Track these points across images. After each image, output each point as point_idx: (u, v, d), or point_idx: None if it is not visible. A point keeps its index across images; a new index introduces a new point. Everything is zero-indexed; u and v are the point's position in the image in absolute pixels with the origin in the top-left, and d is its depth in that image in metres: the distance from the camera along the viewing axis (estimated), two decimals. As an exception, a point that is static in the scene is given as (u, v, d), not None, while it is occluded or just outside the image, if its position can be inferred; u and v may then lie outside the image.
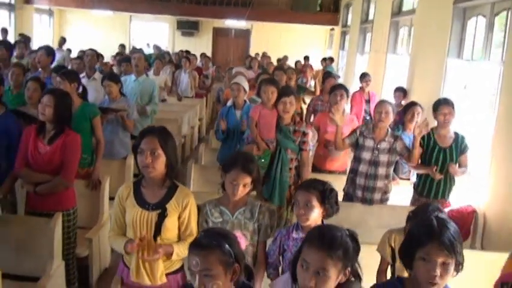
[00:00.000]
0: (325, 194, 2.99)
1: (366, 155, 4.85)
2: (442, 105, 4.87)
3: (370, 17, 12.79)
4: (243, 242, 2.87)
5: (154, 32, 21.36)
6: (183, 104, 10.65)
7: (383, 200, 4.95)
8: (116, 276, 3.18)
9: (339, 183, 4.66)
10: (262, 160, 4.78)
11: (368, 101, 8.59)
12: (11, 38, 13.12)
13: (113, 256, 5.09)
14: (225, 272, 2.09)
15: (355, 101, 8.54)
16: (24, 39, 10.67)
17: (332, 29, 19.10)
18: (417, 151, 4.76)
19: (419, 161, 4.92)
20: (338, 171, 5.86)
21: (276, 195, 4.65)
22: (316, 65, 16.02)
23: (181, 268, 3.17)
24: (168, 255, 2.98)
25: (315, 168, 5.78)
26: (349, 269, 2.11)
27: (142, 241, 2.90)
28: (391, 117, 4.82)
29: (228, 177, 3.14)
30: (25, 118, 4.60)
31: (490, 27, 5.96)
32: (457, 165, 4.86)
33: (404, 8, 9.96)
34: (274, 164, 4.73)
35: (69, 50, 14.67)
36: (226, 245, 2.12)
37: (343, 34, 16.97)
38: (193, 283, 2.09)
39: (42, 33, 18.99)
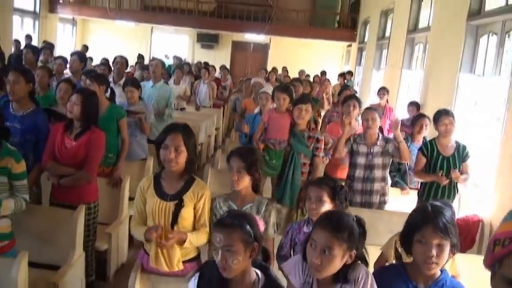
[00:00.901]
0: (336, 191, 3.20)
1: (361, 160, 5.02)
2: (443, 116, 5.08)
3: (387, 33, 13.02)
4: (261, 225, 3.04)
5: (174, 44, 21.75)
6: (201, 113, 10.89)
7: (381, 203, 5.11)
8: (137, 262, 3.37)
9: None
10: (273, 161, 5.01)
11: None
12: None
13: (130, 252, 5.29)
14: (245, 249, 2.28)
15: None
16: (49, 46, 11.02)
17: (349, 45, 19.35)
18: (403, 145, 4.94)
19: (424, 169, 5.13)
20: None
21: (287, 197, 4.88)
22: (333, 80, 16.23)
23: (198, 257, 3.38)
24: (182, 243, 3.18)
25: (326, 176, 5.97)
26: (354, 251, 2.30)
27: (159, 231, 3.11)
28: (378, 123, 5.02)
29: (229, 168, 3.36)
30: (55, 116, 4.86)
31: (501, 44, 6.14)
32: (460, 172, 5.03)
33: (420, 25, 10.16)
34: (287, 167, 4.97)
35: (91, 59, 15.02)
36: (247, 225, 2.33)
37: (360, 50, 17.20)
38: (216, 258, 2.29)
39: (64, 42, 19.47)
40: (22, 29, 16.39)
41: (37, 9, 17.65)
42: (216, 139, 11.65)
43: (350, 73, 15.70)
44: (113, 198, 5.10)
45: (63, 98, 5.15)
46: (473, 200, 5.52)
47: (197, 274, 2.46)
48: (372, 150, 5.00)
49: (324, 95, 10.85)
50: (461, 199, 5.51)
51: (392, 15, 12.39)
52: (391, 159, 5.16)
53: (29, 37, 13.59)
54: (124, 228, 5.03)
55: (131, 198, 4.32)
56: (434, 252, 2.27)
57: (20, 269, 3.26)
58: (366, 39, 16.32)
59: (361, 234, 2.35)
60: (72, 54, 7.55)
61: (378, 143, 5.03)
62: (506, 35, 6.08)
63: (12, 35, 14.34)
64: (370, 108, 5.30)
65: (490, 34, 6.58)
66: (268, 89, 6.33)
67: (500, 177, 5.26)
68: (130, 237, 5.12)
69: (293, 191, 4.89)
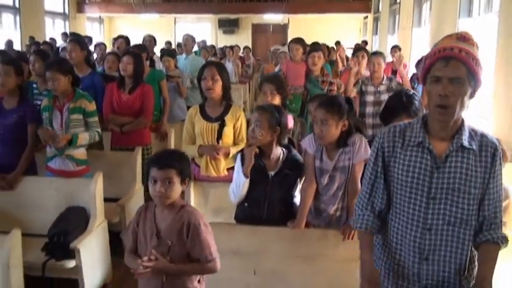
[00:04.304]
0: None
1: (370, 98, 5.76)
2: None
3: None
4: (291, 121, 3.82)
5: (197, 32, 22.55)
6: (228, 88, 11.68)
7: None
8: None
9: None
10: (293, 105, 5.84)
11: (395, 71, 9.51)
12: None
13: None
14: (269, 128, 3.18)
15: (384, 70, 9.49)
16: (89, 39, 12.06)
17: (366, 17, 19.96)
18: (405, 79, 5.79)
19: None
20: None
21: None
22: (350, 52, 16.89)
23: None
24: (226, 155, 4.07)
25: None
26: (345, 122, 3.12)
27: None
28: (383, 67, 5.84)
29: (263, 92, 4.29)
30: (106, 78, 5.77)
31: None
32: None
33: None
34: (306, 109, 5.77)
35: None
36: (276, 113, 3.23)
37: (376, 20, 17.85)
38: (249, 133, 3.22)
39: (93, 40, 20.49)
40: (54, 30, 17.52)
41: (66, 11, 18.77)
42: (244, 111, 12.40)
43: (365, 42, 16.35)
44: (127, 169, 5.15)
45: (111, 68, 6.17)
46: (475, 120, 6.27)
47: (240, 153, 3.35)
48: (378, 89, 5.75)
49: (338, 56, 11.57)
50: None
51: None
52: None
53: (65, 34, 14.64)
54: (137, 200, 5.03)
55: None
56: None
57: (97, 185, 4.12)
58: (380, 9, 16.95)
59: (349, 108, 3.17)
60: (118, 38, 8.52)
61: (383, 82, 5.79)
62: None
63: (45, 35, 15.47)
64: (375, 53, 6.09)
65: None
66: (285, 49, 7.15)
67: (496, 100, 6.01)
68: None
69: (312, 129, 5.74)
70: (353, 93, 5.89)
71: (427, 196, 2.14)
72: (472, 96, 2.13)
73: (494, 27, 6.29)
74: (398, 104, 3.19)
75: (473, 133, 2.18)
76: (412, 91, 3.42)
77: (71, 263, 3.80)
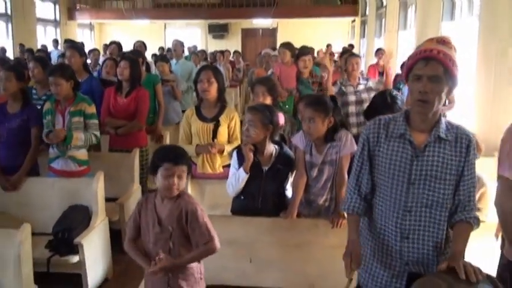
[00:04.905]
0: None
1: (351, 98, 5.91)
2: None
3: (384, 3, 14.00)
4: (282, 119, 4.03)
5: (187, 38, 22.77)
6: (220, 91, 11.92)
7: None
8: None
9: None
10: (287, 106, 6.08)
11: (381, 73, 9.82)
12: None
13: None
14: (262, 126, 3.42)
15: (370, 72, 9.82)
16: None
17: (353, 21, 20.27)
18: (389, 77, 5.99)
19: None
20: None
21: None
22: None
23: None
24: (221, 152, 4.31)
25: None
26: (331, 118, 3.39)
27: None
28: (360, 67, 6.12)
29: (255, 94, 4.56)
30: (104, 83, 5.98)
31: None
32: (447, 101, 6.03)
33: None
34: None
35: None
36: (268, 113, 3.47)
37: (363, 23, 18.17)
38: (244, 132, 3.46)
39: (85, 46, 20.67)
40: (45, 37, 17.70)
41: (57, 18, 18.95)
42: (236, 114, 12.62)
43: (351, 45, 16.64)
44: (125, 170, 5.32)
45: (109, 73, 6.41)
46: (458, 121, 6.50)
47: (236, 149, 3.58)
48: (357, 89, 5.96)
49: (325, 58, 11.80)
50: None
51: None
52: None
53: (56, 41, 14.83)
54: (135, 200, 4.92)
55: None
56: None
57: (99, 184, 4.33)
58: (367, 12, 17.26)
59: (335, 106, 3.45)
60: (110, 44, 8.73)
61: (361, 81, 6.02)
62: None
63: (37, 42, 15.66)
64: (353, 55, 6.36)
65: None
66: (275, 53, 7.41)
67: (477, 100, 6.28)
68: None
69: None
70: (332, 92, 6.08)
71: (407, 182, 2.38)
72: (449, 93, 2.38)
73: (475, 29, 6.55)
74: (383, 103, 3.44)
75: (449, 126, 2.43)
76: (395, 92, 3.68)
77: (75, 258, 4.01)
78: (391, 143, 2.44)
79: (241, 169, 3.48)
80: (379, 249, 2.53)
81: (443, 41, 2.36)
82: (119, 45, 8.35)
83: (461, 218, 2.38)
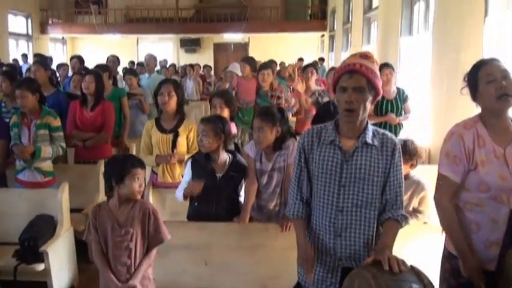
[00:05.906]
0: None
1: None
2: (384, 68, 6.30)
3: (350, 18, 14.41)
4: (234, 128, 4.27)
5: (160, 52, 22.91)
6: (190, 105, 12.08)
7: None
8: (149, 180, 4.64)
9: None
10: (246, 117, 6.33)
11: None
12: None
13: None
14: (214, 136, 3.65)
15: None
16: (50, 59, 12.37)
17: (322, 35, 20.70)
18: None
19: (374, 113, 6.37)
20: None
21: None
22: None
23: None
24: (180, 162, 4.51)
25: (297, 133, 7.24)
26: (278, 128, 3.61)
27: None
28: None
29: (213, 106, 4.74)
30: (71, 97, 6.15)
31: (427, 4, 7.56)
32: (403, 112, 6.32)
33: (374, 5, 11.54)
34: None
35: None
36: (220, 123, 3.71)
37: (331, 38, 18.57)
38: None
39: (56, 60, 20.69)
40: (17, 51, 17.72)
41: (30, 32, 19.00)
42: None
43: (322, 59, 17.06)
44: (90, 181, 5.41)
45: (76, 87, 6.60)
46: (415, 131, 6.79)
47: (190, 158, 3.80)
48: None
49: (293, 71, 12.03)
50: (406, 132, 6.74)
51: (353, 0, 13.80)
52: None
53: (25, 56, 14.92)
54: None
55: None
56: None
57: (63, 194, 4.45)
58: (335, 27, 17.67)
59: (281, 117, 3.67)
60: (72, 58, 8.89)
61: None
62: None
63: (9, 56, 15.72)
64: (332, 69, 6.62)
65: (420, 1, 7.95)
66: (233, 67, 7.66)
67: (433, 112, 6.58)
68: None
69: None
70: (307, 105, 6.36)
71: (338, 184, 2.61)
72: (373, 102, 2.63)
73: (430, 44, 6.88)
74: (327, 112, 3.68)
75: (376, 132, 2.67)
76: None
77: (41, 266, 4.14)
78: (323, 149, 2.66)
79: (181, 193, 3.80)
80: (315, 246, 2.74)
81: (365, 56, 2.62)
82: (80, 58, 8.55)
83: (389, 216, 2.62)
